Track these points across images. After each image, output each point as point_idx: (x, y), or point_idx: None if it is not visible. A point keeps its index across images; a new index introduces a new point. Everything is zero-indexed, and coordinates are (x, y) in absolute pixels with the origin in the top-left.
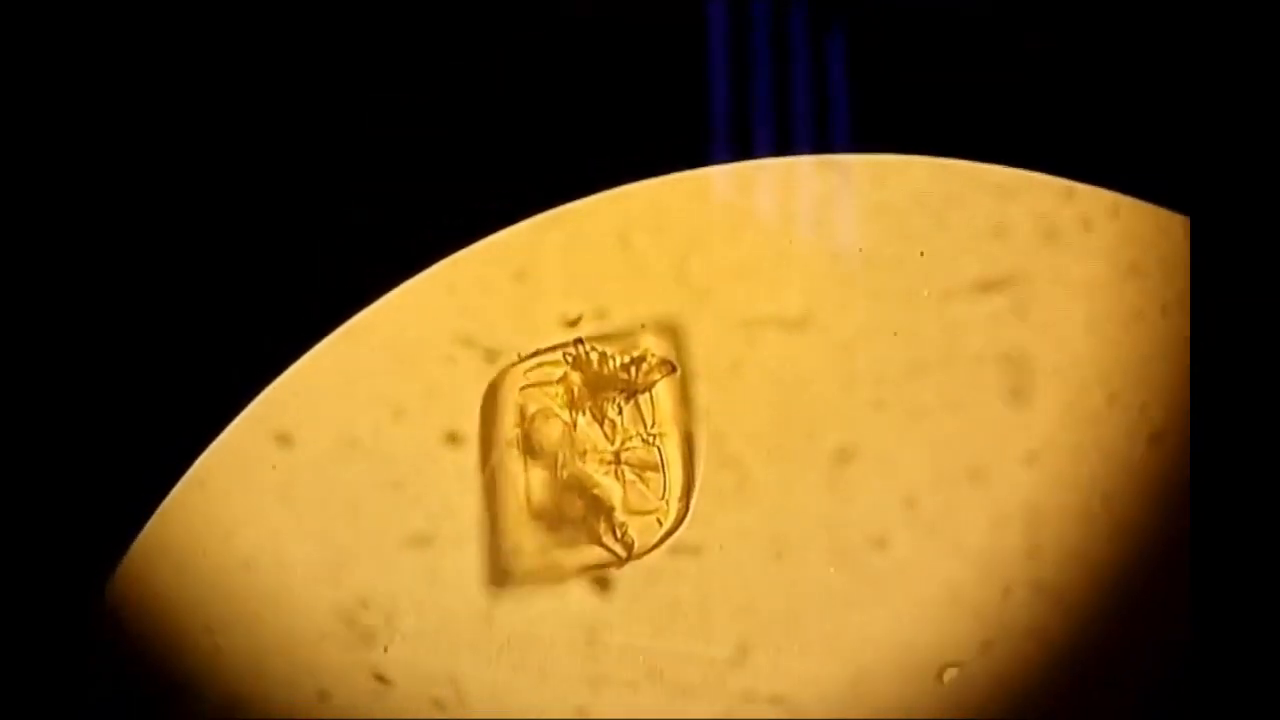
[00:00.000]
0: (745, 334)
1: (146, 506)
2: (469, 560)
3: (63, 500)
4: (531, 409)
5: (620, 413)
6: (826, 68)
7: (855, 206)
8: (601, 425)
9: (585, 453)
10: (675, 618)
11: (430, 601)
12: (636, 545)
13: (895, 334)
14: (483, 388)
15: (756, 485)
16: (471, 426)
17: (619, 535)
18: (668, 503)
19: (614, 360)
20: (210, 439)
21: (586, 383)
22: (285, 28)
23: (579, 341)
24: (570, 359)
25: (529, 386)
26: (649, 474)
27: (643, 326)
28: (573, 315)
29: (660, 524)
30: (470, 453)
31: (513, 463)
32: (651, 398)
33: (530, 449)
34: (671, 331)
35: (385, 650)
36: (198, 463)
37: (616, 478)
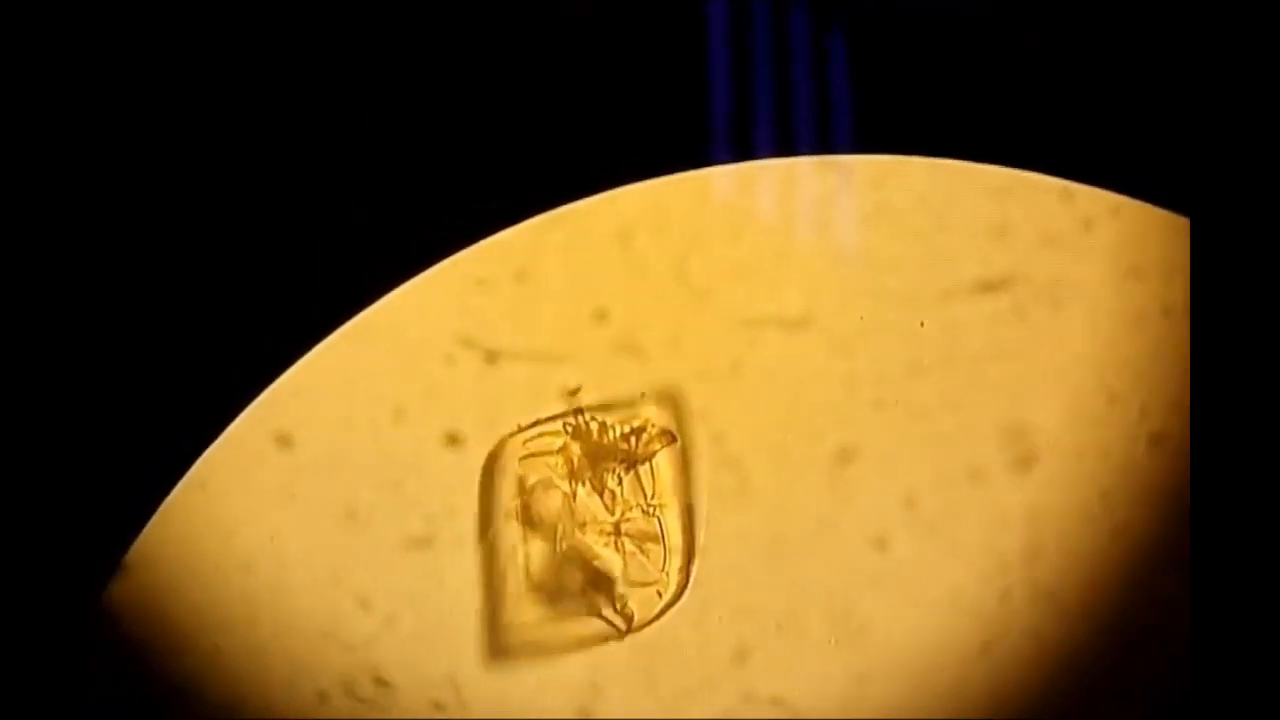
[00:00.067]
0: (745, 334)
1: (147, 507)
2: (469, 561)
3: (63, 501)
4: (531, 479)
5: (620, 483)
6: (826, 68)
7: (855, 207)
8: (601, 496)
9: (585, 524)
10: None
11: (430, 603)
12: (637, 618)
13: (895, 334)
14: (483, 388)
15: (756, 485)
16: (472, 427)
17: (619, 608)
18: (668, 574)
19: (614, 430)
20: (210, 439)
21: (586, 453)
22: (285, 28)
23: (579, 412)
24: (570, 429)
25: (528, 457)
26: (649, 545)
27: (643, 395)
28: (572, 385)
29: (660, 596)
30: (470, 453)
31: (512, 534)
32: (652, 468)
33: (529, 520)
34: (672, 401)
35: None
36: (198, 463)
37: (616, 549)
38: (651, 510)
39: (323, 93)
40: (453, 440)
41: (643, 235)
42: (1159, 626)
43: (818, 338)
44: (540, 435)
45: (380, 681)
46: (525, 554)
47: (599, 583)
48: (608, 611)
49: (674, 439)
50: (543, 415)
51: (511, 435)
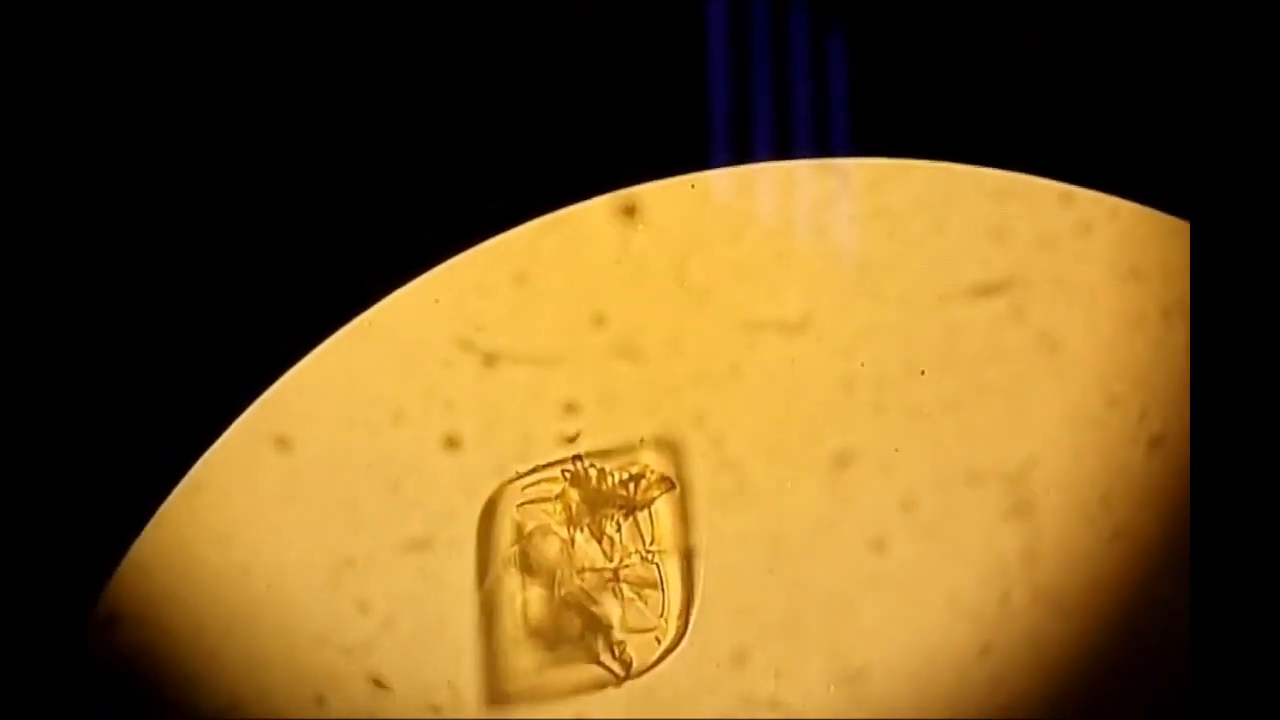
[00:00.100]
0: (744, 336)
1: (145, 509)
2: (467, 564)
3: (61, 503)
4: (529, 526)
5: (619, 530)
6: (826, 68)
7: (854, 210)
8: (600, 542)
9: (583, 570)
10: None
11: (428, 605)
12: (635, 664)
13: (894, 337)
14: (482, 391)
15: (755, 487)
16: (470, 430)
17: (617, 654)
18: (667, 621)
19: (613, 477)
20: (209, 442)
21: (585, 499)
22: (285, 28)
23: (577, 458)
24: (568, 475)
25: (526, 503)
26: (648, 592)
27: (641, 441)
28: (571, 432)
29: (659, 642)
30: (469, 456)
31: (510, 580)
32: (650, 515)
33: (527, 566)
34: (671, 447)
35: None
36: (197, 465)
37: (615, 595)
38: (650, 556)
39: (323, 93)
40: (451, 443)
41: (642, 237)
42: (1159, 628)
43: (817, 340)
44: (538, 481)
45: (378, 684)
46: (523, 600)
47: (597, 629)
48: (606, 658)
49: (673, 485)
50: (541, 417)
51: (510, 482)
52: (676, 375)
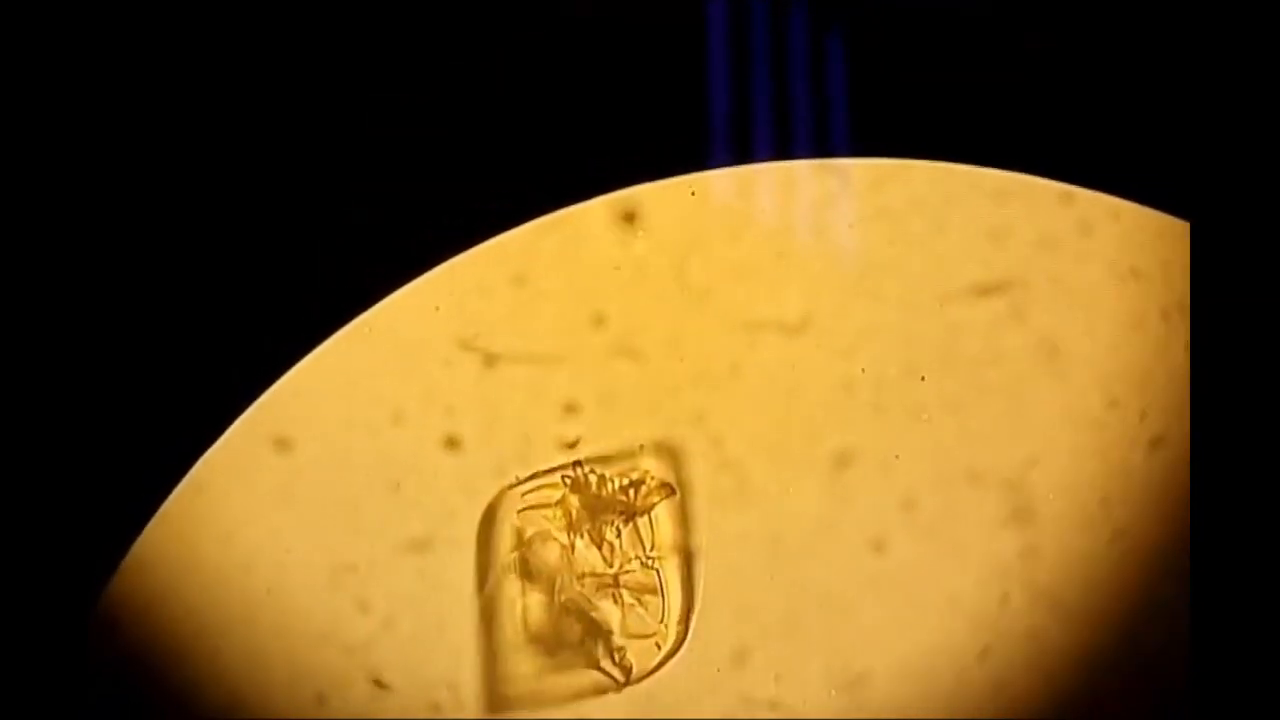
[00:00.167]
0: (744, 337)
1: (146, 509)
2: (467, 564)
3: (62, 503)
4: (529, 532)
5: (619, 535)
6: (826, 68)
7: (854, 210)
8: (600, 548)
9: (583, 576)
10: None
11: (428, 605)
12: (635, 669)
13: (894, 337)
14: (482, 391)
15: (755, 488)
16: (470, 430)
17: (617, 659)
18: (667, 626)
19: (613, 483)
20: (209, 442)
21: (585, 505)
22: (285, 28)
23: (577, 464)
24: (569, 481)
25: (527, 509)
26: (648, 597)
27: (641, 448)
28: (571, 434)
29: (659, 648)
30: (469, 456)
31: (510, 586)
32: (650, 520)
33: (527, 572)
34: (671, 453)
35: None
36: (197, 465)
37: (615, 601)
38: (650, 562)
39: (323, 93)
40: (451, 443)
41: (641, 238)
42: (1159, 629)
43: (817, 340)
44: (538, 487)
45: (379, 683)
46: (523, 606)
47: (597, 634)
48: (606, 663)
49: (673, 491)
50: (541, 418)
51: (510, 487)
52: (676, 375)
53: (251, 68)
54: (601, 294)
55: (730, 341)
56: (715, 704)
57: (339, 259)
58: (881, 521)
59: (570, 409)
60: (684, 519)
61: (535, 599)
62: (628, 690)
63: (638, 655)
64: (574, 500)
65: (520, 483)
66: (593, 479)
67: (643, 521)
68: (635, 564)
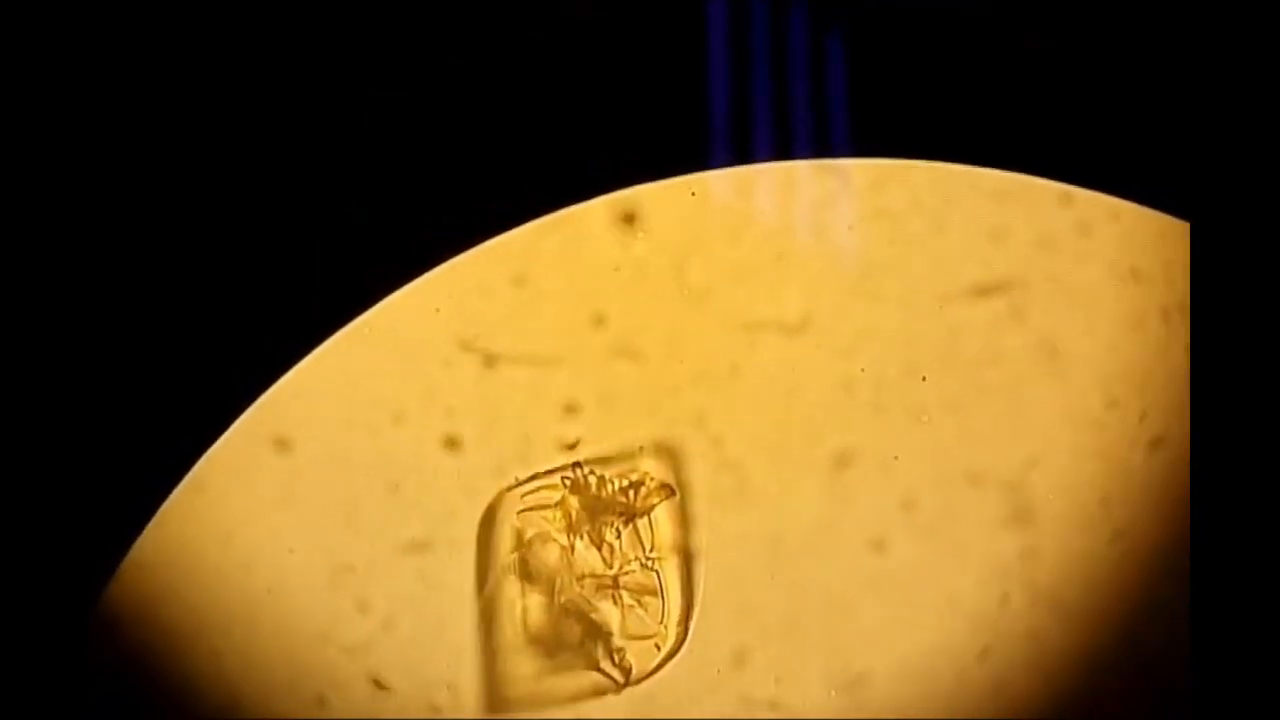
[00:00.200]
0: (744, 337)
1: (146, 510)
2: (466, 564)
3: (62, 504)
4: (529, 533)
5: (619, 537)
6: (826, 68)
7: (854, 210)
8: (600, 549)
9: (583, 577)
10: None
11: (428, 605)
12: (634, 670)
13: (894, 338)
14: (482, 392)
15: (755, 488)
16: (470, 431)
17: (617, 660)
18: (666, 627)
19: (612, 484)
20: (209, 442)
21: (585, 506)
22: (285, 28)
23: (577, 465)
24: (568, 483)
25: (526, 510)
26: (647, 598)
27: (641, 449)
28: (571, 435)
29: (659, 649)
30: (469, 457)
31: (509, 587)
32: (650, 521)
33: (527, 573)
34: (671, 454)
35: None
36: (197, 466)
37: (615, 602)
38: (650, 563)
39: (323, 93)
40: (451, 443)
41: (641, 238)
42: (1159, 629)
43: (816, 341)
44: (538, 489)
45: (378, 684)
46: (523, 607)
47: (597, 635)
48: (606, 664)
49: (672, 492)
50: (541, 418)
51: (509, 489)
52: (676, 376)
53: (251, 68)
54: (601, 294)
55: (730, 342)
56: (715, 705)
57: (339, 259)
58: (881, 522)
59: (570, 409)
60: (684, 520)
61: (535, 600)
62: (627, 691)
63: (637, 656)
64: (574, 501)
65: (520, 484)
66: (592, 480)
67: (642, 523)
68: (635, 565)
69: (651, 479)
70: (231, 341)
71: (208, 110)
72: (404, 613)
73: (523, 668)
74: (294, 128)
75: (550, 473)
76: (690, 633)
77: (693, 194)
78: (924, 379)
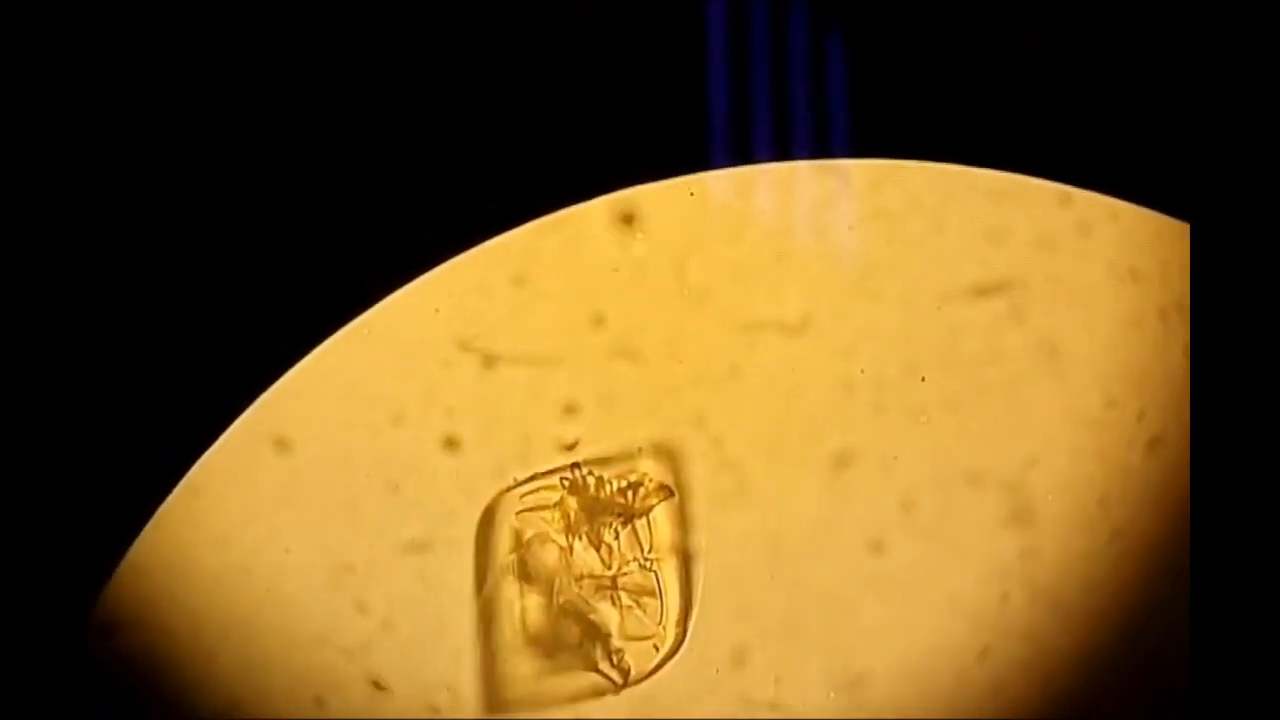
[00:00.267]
0: (744, 337)
1: (144, 511)
2: (467, 565)
3: (61, 504)
4: (527, 534)
5: (617, 537)
6: (826, 68)
7: (853, 210)
8: (598, 550)
9: (582, 578)
10: None
11: (427, 606)
12: (633, 671)
13: (893, 338)
14: (481, 392)
15: (755, 488)
16: (470, 431)
17: (615, 661)
18: (665, 628)
19: (611, 485)
20: (208, 443)
21: (583, 507)
22: (285, 28)
23: (576, 466)
24: (567, 484)
25: (525, 511)
26: (646, 599)
27: (639, 450)
28: (570, 435)
29: (657, 650)
30: (468, 457)
31: (508, 588)
32: (649, 522)
33: (526, 574)
34: (670, 454)
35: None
36: (195, 467)
37: (613, 603)
38: (648, 564)
39: (323, 93)
40: (451, 444)
41: (641, 239)
42: (1158, 629)
43: (816, 341)
44: (537, 490)
45: (377, 685)
46: (522, 608)
47: (595, 636)
48: (604, 665)
49: (671, 493)
50: (541, 418)
51: (508, 490)
52: (676, 376)
53: (251, 68)
54: (601, 295)
55: (730, 342)
56: (714, 705)
57: (339, 259)
58: (881, 522)
59: (569, 410)
60: (682, 520)
61: (534, 601)
62: (626, 692)
63: (636, 657)
64: (572, 502)
65: (519, 484)
66: (591, 481)
67: (641, 523)
68: (633, 566)
69: (650, 480)
70: (231, 341)
71: (208, 110)
72: (403, 613)
73: (522, 668)
74: (294, 128)
75: (549, 473)
76: (689, 633)
77: (691, 194)
78: (923, 379)
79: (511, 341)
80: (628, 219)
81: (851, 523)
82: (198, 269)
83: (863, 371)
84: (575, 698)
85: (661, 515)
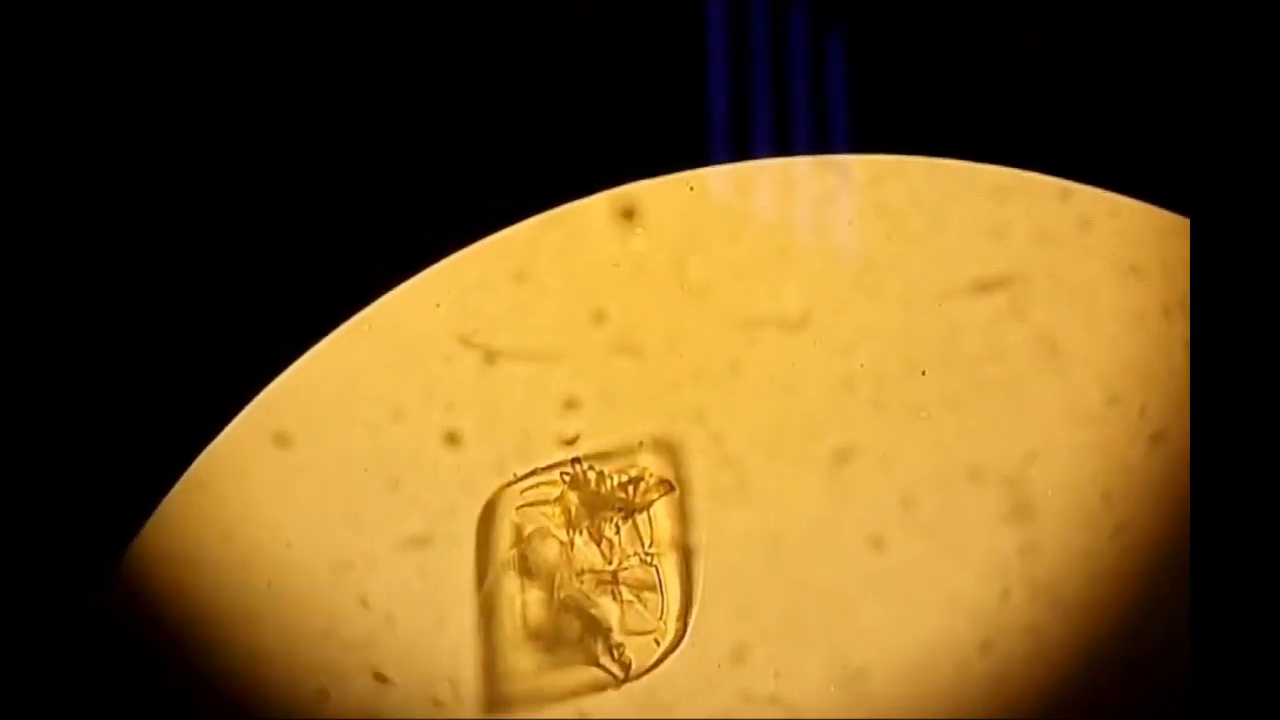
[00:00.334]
0: (744, 334)
1: (146, 506)
2: (467, 560)
3: (62, 500)
4: (528, 529)
5: (618, 532)
6: (826, 68)
7: (854, 207)
8: (599, 545)
9: (582, 573)
10: None
11: (429, 601)
12: (634, 666)
13: (894, 334)
14: (482, 388)
15: (755, 484)
16: (470, 427)
17: (616, 656)
18: (666, 623)
19: (611, 480)
20: (209, 439)
21: (584, 502)
22: (285, 28)
23: (576, 461)
24: (567, 478)
25: (525, 506)
26: (647, 594)
27: (640, 444)
28: (570, 431)
29: (658, 644)
30: (469, 453)
31: (508, 583)
32: (649, 517)
33: (526, 569)
34: (670, 450)
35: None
36: (197, 462)
37: (614, 598)
38: (649, 559)
39: (323, 93)
40: (452, 439)
41: (641, 235)
42: (1159, 626)
43: (816, 337)
44: (537, 485)
45: (380, 679)
46: (522, 603)
47: (596, 631)
48: (605, 660)
49: (672, 488)
50: (541, 414)
51: (508, 485)
52: (676, 372)
53: (251, 67)
54: (601, 290)
55: (730, 338)
56: (715, 700)
57: (339, 258)
58: (881, 518)
59: (570, 405)
60: (683, 516)
61: (534, 596)
62: (627, 687)
63: (637, 652)
64: (573, 497)
65: (519, 479)
66: (591, 476)
67: (641, 518)
68: (634, 561)
69: (651, 475)
70: (232, 338)
71: (208, 109)
72: (405, 608)
73: (523, 663)
74: (294, 127)
75: (550, 468)
76: (689, 628)
77: (691, 189)
78: (924, 375)
79: (512, 337)
80: (628, 214)
81: (851, 519)
82: (200, 266)
83: (863, 367)
84: (576, 692)
85: (662, 510)
